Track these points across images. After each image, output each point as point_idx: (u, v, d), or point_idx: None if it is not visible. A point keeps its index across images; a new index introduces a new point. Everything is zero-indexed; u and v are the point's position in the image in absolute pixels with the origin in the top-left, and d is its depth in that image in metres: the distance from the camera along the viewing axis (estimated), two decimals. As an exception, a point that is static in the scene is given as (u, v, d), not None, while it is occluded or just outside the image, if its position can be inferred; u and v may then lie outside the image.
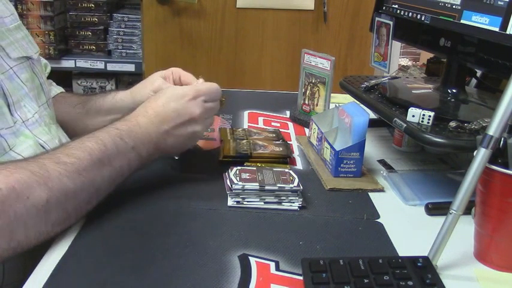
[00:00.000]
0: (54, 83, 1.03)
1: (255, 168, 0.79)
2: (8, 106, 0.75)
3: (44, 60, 0.99)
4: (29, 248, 0.61)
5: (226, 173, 0.78)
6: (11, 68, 0.79)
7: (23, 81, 0.80)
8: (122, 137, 0.71)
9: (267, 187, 0.74)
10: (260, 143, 0.92)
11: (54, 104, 0.93)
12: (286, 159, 0.89)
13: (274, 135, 0.99)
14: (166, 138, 0.76)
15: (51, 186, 0.61)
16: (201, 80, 0.88)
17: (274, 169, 0.80)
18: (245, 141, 0.93)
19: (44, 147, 0.79)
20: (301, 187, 0.75)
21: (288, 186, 0.74)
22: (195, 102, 0.78)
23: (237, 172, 0.77)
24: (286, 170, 0.79)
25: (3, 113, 0.73)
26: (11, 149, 0.73)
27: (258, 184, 0.74)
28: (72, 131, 0.93)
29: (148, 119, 0.75)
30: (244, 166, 0.83)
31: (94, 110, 0.96)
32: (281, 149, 0.91)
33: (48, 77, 1.00)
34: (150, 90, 0.89)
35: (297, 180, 0.76)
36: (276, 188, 0.74)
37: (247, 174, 0.76)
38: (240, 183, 0.74)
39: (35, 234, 0.60)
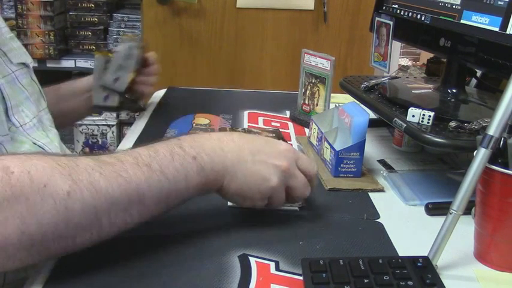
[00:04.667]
0: None
1: None
2: (6, 111, 0.75)
3: None
4: (49, 257, 0.56)
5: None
6: (13, 72, 0.79)
7: (24, 86, 0.81)
8: (182, 145, 0.62)
9: None
10: None
11: None
12: None
13: (274, 135, 0.99)
14: (242, 164, 0.64)
15: (75, 179, 0.53)
16: None
17: None
18: None
19: (42, 149, 0.79)
20: None
21: None
22: (288, 153, 0.67)
23: None
24: None
25: (1, 121, 0.73)
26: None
27: None
28: None
29: (229, 136, 0.65)
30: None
31: (68, 93, 0.99)
32: None
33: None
34: None
35: None
36: None
37: None
38: None
39: (53, 235, 0.52)
